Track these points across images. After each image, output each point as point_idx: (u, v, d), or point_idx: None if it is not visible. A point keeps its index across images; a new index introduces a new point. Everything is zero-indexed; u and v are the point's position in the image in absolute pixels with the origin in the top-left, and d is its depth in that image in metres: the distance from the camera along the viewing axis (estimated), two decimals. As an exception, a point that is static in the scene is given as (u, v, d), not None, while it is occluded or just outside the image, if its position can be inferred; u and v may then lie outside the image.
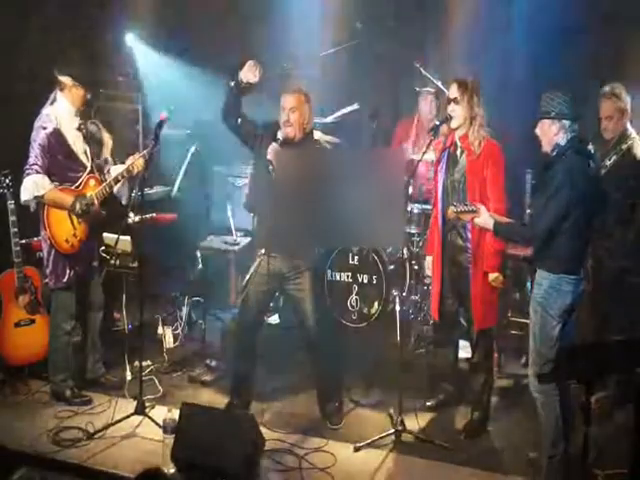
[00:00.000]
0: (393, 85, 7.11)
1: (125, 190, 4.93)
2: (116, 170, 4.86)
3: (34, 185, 4.58)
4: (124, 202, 4.96)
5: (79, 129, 4.75)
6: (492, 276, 4.43)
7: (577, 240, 3.89)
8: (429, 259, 4.81)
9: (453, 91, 4.47)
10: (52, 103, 4.68)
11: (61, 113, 4.66)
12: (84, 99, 4.71)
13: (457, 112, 4.45)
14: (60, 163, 4.65)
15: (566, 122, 3.89)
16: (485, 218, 4.06)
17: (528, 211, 4.37)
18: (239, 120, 4.53)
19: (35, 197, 4.61)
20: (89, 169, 4.77)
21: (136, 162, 4.74)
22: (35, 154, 4.58)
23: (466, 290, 4.54)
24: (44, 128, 4.60)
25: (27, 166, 4.59)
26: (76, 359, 4.99)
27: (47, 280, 4.81)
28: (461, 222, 4.40)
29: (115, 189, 4.83)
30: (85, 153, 4.77)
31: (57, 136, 4.62)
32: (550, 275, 3.92)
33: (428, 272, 4.92)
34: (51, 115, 4.64)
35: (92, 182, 4.78)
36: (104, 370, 5.06)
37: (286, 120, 4.48)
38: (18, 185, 4.83)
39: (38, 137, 4.59)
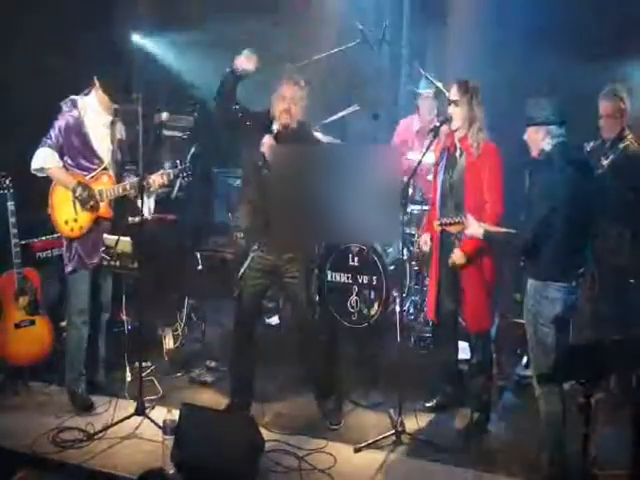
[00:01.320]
0: (393, 85, 7.13)
1: (148, 202, 4.95)
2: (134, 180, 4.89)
3: (43, 157, 4.71)
4: (145, 212, 4.92)
5: (111, 126, 4.83)
6: (458, 253, 4.40)
7: (562, 248, 3.81)
8: (425, 236, 4.78)
9: (453, 92, 4.47)
10: (86, 94, 4.81)
11: (89, 105, 4.78)
12: (109, 104, 4.80)
13: (457, 114, 4.45)
14: (75, 148, 4.75)
15: (552, 127, 3.86)
16: (474, 228, 4.05)
17: (522, 218, 4.39)
18: (234, 108, 4.51)
19: (42, 168, 4.73)
20: (105, 165, 4.81)
21: (156, 179, 4.81)
22: (53, 131, 4.73)
23: (462, 293, 4.54)
24: (68, 110, 4.75)
25: (44, 138, 4.74)
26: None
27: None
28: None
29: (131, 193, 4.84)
30: (108, 150, 4.83)
31: (77, 122, 4.73)
32: (536, 282, 3.90)
33: (424, 247, 4.88)
34: (78, 102, 4.77)
35: (105, 178, 4.82)
36: (102, 374, 5.04)
37: (286, 109, 4.44)
38: (18, 186, 4.89)
39: (61, 117, 4.75)
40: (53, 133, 4.72)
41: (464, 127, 4.46)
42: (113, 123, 4.86)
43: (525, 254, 3.94)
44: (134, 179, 4.87)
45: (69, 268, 4.80)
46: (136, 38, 7.27)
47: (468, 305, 4.48)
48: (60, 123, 4.73)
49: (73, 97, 4.79)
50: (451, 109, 4.48)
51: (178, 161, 4.98)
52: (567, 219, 3.79)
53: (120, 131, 4.93)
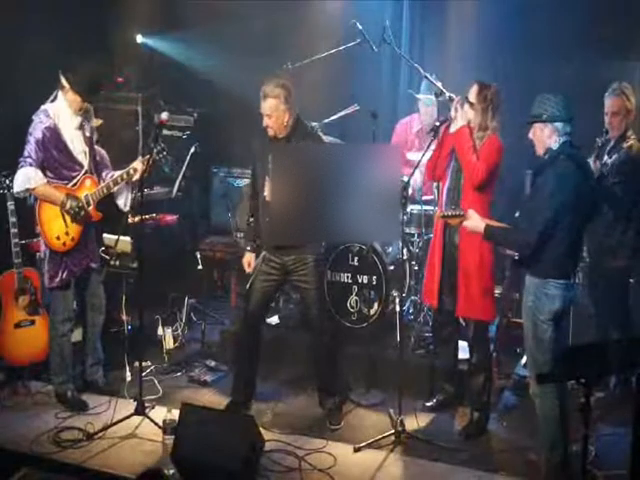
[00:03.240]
0: (393, 85, 7.12)
1: (125, 194, 4.85)
2: (116, 174, 4.83)
3: (25, 177, 4.57)
4: (122, 205, 4.86)
5: (80, 128, 4.73)
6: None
7: (564, 246, 3.82)
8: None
9: (472, 93, 4.44)
10: (53, 100, 4.69)
11: (59, 111, 4.65)
12: (80, 105, 4.68)
13: (470, 117, 4.43)
14: (55, 159, 4.63)
15: (558, 124, 3.85)
16: (476, 222, 4.03)
17: (517, 214, 4.37)
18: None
19: (27, 189, 4.61)
20: (86, 169, 4.75)
21: (137, 167, 4.69)
22: (30, 147, 4.58)
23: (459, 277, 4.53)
24: (41, 122, 4.60)
25: (21, 158, 4.59)
26: (76, 360, 5.00)
27: (44, 279, 4.81)
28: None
29: (115, 189, 4.79)
30: (84, 153, 4.75)
31: (53, 132, 4.61)
32: (537, 280, 3.90)
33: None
34: (49, 111, 4.64)
35: (88, 182, 4.76)
36: (101, 374, 5.04)
37: (267, 124, 4.54)
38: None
39: (35, 131, 4.59)
40: (31, 150, 4.56)
41: (475, 130, 4.44)
42: (82, 123, 4.74)
43: (528, 252, 3.93)
44: (113, 173, 4.82)
45: (55, 283, 4.68)
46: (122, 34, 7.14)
47: (465, 290, 4.46)
48: (37, 137, 4.56)
49: (43, 107, 4.65)
50: (466, 108, 4.44)
51: (154, 147, 4.68)
52: (572, 218, 3.80)
53: (89, 129, 4.80)
